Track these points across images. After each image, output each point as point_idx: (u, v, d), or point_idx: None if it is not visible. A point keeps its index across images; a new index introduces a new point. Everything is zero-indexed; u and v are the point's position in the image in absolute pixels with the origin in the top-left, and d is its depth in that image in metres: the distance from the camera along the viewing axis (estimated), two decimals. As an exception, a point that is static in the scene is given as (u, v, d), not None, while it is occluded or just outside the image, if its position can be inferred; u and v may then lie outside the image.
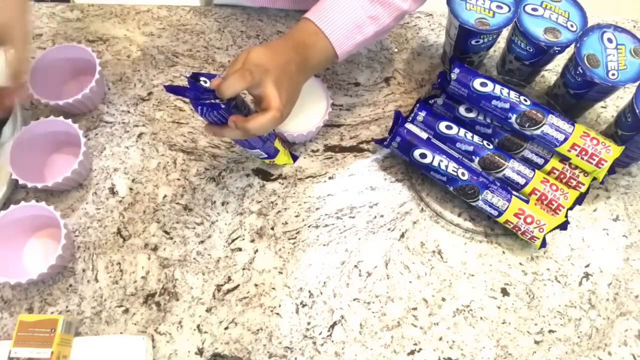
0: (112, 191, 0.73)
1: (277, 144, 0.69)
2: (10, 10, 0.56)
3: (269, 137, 0.66)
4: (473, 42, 0.74)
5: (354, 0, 0.62)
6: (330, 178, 0.74)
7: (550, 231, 0.66)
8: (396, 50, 0.81)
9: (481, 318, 0.67)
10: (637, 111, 0.65)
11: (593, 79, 0.67)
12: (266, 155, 0.69)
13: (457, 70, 0.71)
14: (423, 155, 0.69)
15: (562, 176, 0.71)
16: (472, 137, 0.71)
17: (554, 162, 0.71)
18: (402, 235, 0.71)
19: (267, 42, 0.61)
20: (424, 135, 0.70)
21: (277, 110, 0.55)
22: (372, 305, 0.67)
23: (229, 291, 0.67)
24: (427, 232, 0.71)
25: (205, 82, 0.54)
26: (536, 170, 0.70)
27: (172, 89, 0.53)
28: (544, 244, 0.67)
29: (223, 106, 0.55)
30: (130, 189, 0.73)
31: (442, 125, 0.72)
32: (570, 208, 0.68)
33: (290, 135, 0.71)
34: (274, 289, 0.68)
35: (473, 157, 0.71)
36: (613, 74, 0.68)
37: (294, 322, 0.66)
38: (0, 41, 0.56)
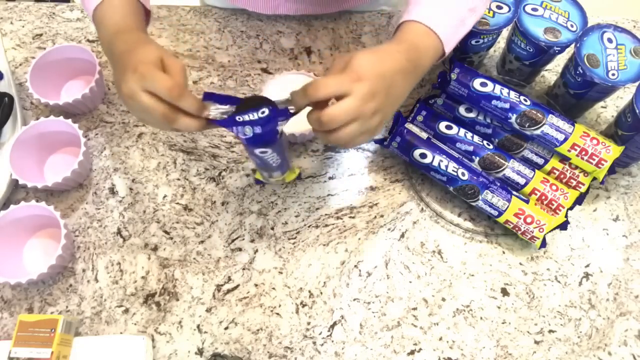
0: (112, 191, 0.73)
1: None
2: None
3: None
4: (473, 42, 0.74)
5: None
6: (330, 178, 0.74)
7: (550, 231, 0.66)
8: None
9: (481, 318, 0.67)
10: (637, 111, 0.65)
11: (593, 79, 0.67)
12: (284, 170, 0.65)
13: (457, 70, 0.71)
14: (423, 155, 0.69)
15: (562, 176, 0.71)
16: (472, 137, 0.71)
17: (554, 162, 0.71)
18: (402, 235, 0.71)
19: (376, 47, 0.55)
20: (424, 135, 0.70)
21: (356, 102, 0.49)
22: (372, 305, 0.67)
23: (229, 291, 0.67)
24: (427, 232, 0.71)
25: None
26: (536, 170, 0.70)
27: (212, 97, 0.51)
28: (544, 244, 0.67)
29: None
30: (130, 189, 0.73)
31: (442, 125, 0.72)
32: (570, 208, 0.68)
33: (291, 134, 0.71)
34: (274, 289, 0.68)
35: (473, 157, 0.71)
36: (613, 74, 0.68)
37: (294, 322, 0.66)
38: None
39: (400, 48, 0.55)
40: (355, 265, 0.69)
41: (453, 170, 0.68)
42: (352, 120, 0.50)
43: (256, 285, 0.68)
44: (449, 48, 0.58)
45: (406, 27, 0.57)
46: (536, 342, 0.66)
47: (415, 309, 0.67)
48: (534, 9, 0.72)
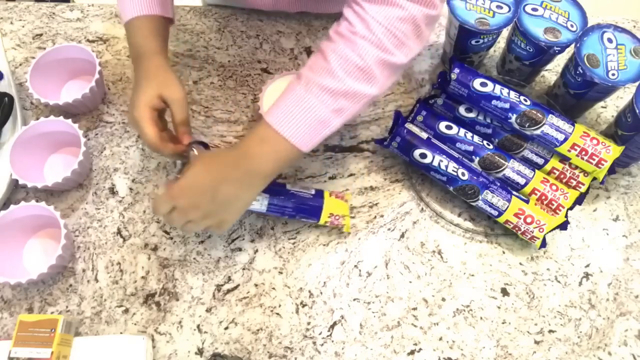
0: (112, 191, 0.73)
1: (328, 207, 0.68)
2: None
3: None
4: (473, 42, 0.74)
5: (314, 97, 0.56)
6: (330, 178, 0.74)
7: (550, 231, 0.66)
8: None
9: (481, 318, 0.67)
10: (637, 111, 0.65)
11: (593, 79, 0.67)
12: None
13: (457, 70, 0.71)
14: (423, 155, 0.69)
15: (562, 176, 0.71)
16: (472, 137, 0.71)
17: (554, 162, 0.71)
18: (402, 235, 0.71)
19: (215, 154, 0.63)
20: (424, 135, 0.70)
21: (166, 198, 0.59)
22: (372, 305, 0.67)
23: (229, 291, 0.67)
24: (427, 232, 0.71)
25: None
26: (536, 170, 0.70)
27: None
28: (544, 244, 0.67)
29: None
30: (130, 189, 0.73)
31: (442, 125, 0.72)
32: (570, 208, 0.68)
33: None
34: (274, 289, 0.68)
35: (473, 157, 0.71)
36: (613, 74, 0.68)
37: (294, 322, 0.66)
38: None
39: (231, 157, 0.60)
40: (355, 265, 0.69)
41: (453, 170, 0.68)
42: (186, 222, 0.59)
43: (256, 285, 0.68)
44: (307, 148, 0.58)
45: (255, 128, 0.59)
46: (536, 342, 0.66)
47: (415, 309, 0.67)
48: (534, 9, 0.72)
